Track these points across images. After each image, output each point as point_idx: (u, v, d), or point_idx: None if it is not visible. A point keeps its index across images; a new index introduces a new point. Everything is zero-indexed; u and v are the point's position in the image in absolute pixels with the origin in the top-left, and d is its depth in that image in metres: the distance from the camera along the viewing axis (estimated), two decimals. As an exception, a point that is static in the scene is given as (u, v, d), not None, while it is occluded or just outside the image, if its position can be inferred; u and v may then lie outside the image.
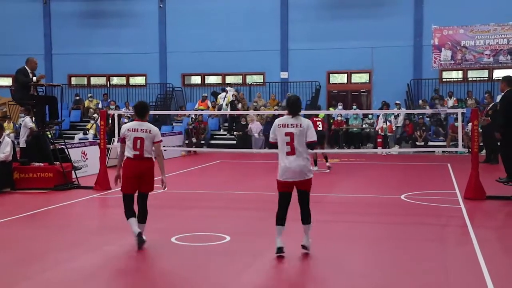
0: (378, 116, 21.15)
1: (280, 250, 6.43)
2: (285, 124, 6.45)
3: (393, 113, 20.54)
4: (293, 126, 6.40)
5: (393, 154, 19.27)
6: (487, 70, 23.65)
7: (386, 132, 20.36)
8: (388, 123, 20.46)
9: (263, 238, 7.41)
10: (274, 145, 6.59)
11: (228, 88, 24.16)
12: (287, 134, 6.39)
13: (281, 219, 6.53)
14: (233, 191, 11.62)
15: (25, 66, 11.53)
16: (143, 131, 6.92)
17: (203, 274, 5.90)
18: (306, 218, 6.57)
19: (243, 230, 7.96)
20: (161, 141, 7.12)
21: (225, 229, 7.80)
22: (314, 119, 14.00)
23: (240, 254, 6.66)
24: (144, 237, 6.87)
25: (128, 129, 6.98)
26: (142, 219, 7.07)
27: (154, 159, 7.08)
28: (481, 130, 15.71)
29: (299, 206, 6.64)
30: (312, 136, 6.40)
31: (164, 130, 22.18)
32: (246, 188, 12.12)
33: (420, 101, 22.32)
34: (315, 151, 12.36)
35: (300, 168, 6.40)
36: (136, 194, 7.09)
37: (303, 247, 6.57)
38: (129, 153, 6.94)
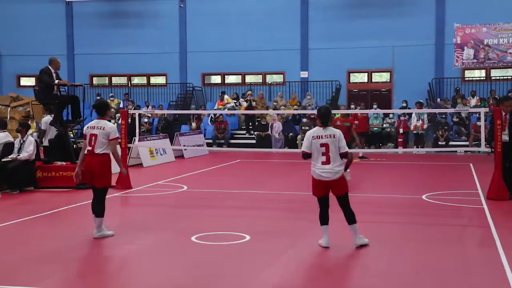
0: (399, 116, 21.00)
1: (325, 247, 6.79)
2: (319, 136, 6.75)
3: (424, 113, 20.37)
4: (327, 137, 6.71)
5: (414, 154, 19.10)
6: (511, 69, 23.30)
7: (418, 130, 20.21)
8: (421, 122, 20.29)
9: (283, 237, 7.41)
10: (308, 155, 6.85)
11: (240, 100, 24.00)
12: (322, 145, 6.71)
13: (323, 219, 6.83)
14: (253, 191, 11.62)
15: (49, 66, 11.66)
16: (98, 128, 7.33)
17: (223, 273, 5.92)
18: (350, 219, 6.83)
19: (262, 230, 7.95)
20: (117, 138, 7.46)
21: (245, 228, 7.81)
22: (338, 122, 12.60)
23: (259, 254, 6.66)
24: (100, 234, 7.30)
25: (87, 127, 7.45)
26: (97, 213, 7.37)
27: (109, 155, 7.39)
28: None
29: (318, 209, 6.85)
30: (345, 147, 6.76)
31: (184, 130, 22.35)
32: (266, 187, 12.12)
33: (438, 100, 22.10)
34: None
35: (334, 175, 6.69)
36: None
37: (359, 246, 6.82)
38: (85, 149, 7.39)
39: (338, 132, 6.80)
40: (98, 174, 7.30)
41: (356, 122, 17.82)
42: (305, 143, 6.84)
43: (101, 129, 7.32)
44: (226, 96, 24.18)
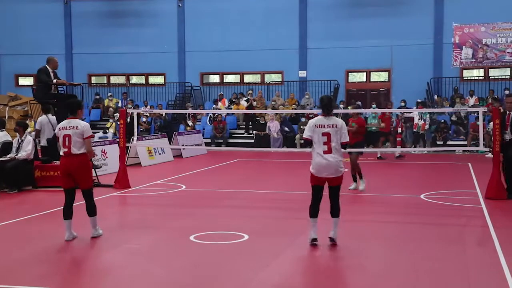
0: (397, 115, 20.97)
1: (314, 240, 6.79)
2: (321, 125, 6.76)
3: (428, 112, 20.32)
4: (329, 127, 6.74)
5: (413, 153, 19.10)
6: (509, 68, 23.33)
7: (419, 129, 20.18)
8: (422, 121, 20.26)
9: (281, 237, 7.41)
10: (310, 142, 6.86)
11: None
12: (324, 134, 6.72)
13: (314, 212, 6.83)
14: (252, 190, 11.62)
15: (46, 66, 11.65)
16: (71, 128, 7.16)
17: (222, 273, 5.91)
18: (335, 212, 6.83)
19: (261, 229, 7.96)
20: (91, 136, 7.30)
21: (243, 227, 7.81)
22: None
23: (258, 253, 6.66)
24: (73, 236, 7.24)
25: (59, 128, 7.30)
26: (89, 213, 7.31)
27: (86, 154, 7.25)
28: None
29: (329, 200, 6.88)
30: (346, 137, 6.80)
31: (182, 129, 22.33)
32: (264, 187, 12.11)
33: (436, 97, 22.10)
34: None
35: (335, 166, 6.70)
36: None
37: (331, 239, 6.80)
38: (61, 150, 7.22)
39: (340, 122, 6.83)
40: (81, 175, 7.15)
41: (382, 124, 17.94)
42: (307, 130, 6.84)
43: (74, 129, 7.14)
44: (219, 103, 24.13)
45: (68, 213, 7.21)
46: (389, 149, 16.97)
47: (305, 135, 6.88)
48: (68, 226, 7.20)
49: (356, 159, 11.16)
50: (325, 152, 6.69)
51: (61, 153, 7.23)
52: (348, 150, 10.73)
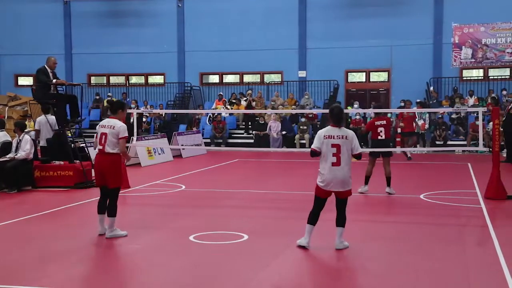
0: (397, 115, 20.96)
1: (304, 247, 6.70)
2: (331, 136, 6.62)
3: (427, 112, 20.30)
4: (339, 138, 6.59)
5: (413, 153, 19.10)
6: (509, 68, 23.34)
7: (418, 130, 20.14)
8: (422, 121, 20.23)
9: (281, 237, 7.41)
10: (317, 153, 6.67)
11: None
12: (333, 145, 6.57)
13: (314, 219, 6.74)
14: (251, 190, 11.62)
15: (45, 66, 11.65)
16: (108, 127, 7.30)
17: (221, 273, 5.91)
18: (341, 221, 6.74)
19: (261, 229, 7.96)
20: (125, 137, 7.36)
21: (243, 227, 7.81)
22: (376, 123, 10.92)
23: (258, 253, 6.66)
24: (108, 234, 7.23)
25: (99, 126, 7.47)
26: (109, 213, 7.31)
27: (119, 155, 7.32)
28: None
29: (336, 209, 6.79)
30: (358, 148, 6.64)
31: (182, 129, 22.34)
32: (264, 187, 12.11)
33: (431, 88, 22.11)
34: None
35: (343, 179, 6.58)
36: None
37: (339, 249, 6.71)
38: (96, 148, 7.36)
39: (350, 133, 6.66)
40: (110, 174, 7.22)
41: (402, 124, 17.97)
42: (316, 141, 6.66)
43: (110, 128, 7.28)
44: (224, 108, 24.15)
45: (101, 208, 7.34)
46: (388, 150, 16.89)
47: (313, 146, 6.66)
48: (100, 220, 7.32)
49: (373, 161, 10.96)
50: (333, 164, 6.51)
51: (96, 150, 7.38)
52: (368, 150, 10.81)
